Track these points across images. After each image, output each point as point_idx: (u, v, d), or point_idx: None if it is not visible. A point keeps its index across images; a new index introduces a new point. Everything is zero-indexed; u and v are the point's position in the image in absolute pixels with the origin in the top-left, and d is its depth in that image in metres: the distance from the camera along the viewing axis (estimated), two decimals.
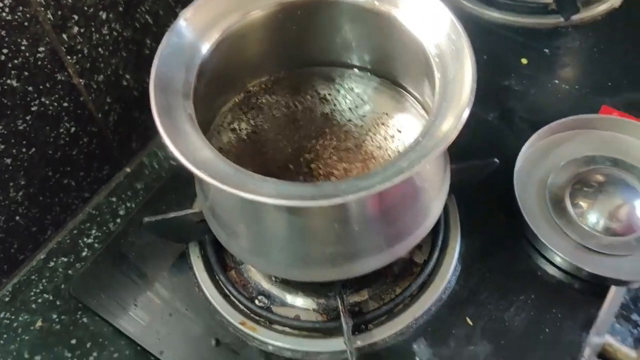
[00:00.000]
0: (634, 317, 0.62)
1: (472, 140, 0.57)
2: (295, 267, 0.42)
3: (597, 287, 0.49)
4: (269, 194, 0.34)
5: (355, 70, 0.50)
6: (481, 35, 0.67)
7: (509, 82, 0.62)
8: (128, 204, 0.65)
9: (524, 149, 0.55)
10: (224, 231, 0.44)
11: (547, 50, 0.65)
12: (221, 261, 0.52)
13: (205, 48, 0.41)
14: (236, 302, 0.50)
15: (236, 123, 0.49)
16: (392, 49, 0.44)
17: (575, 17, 0.66)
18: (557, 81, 0.62)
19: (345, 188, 0.34)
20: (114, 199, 0.67)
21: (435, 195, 0.44)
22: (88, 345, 0.55)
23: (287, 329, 0.48)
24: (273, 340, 0.48)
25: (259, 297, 0.51)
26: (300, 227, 0.39)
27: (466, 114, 0.35)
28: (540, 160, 0.56)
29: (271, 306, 0.50)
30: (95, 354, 0.54)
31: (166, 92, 0.38)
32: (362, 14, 0.43)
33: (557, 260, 0.50)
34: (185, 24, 0.40)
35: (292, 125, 0.50)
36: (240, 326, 0.49)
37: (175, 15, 0.61)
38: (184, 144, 0.36)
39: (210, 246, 0.52)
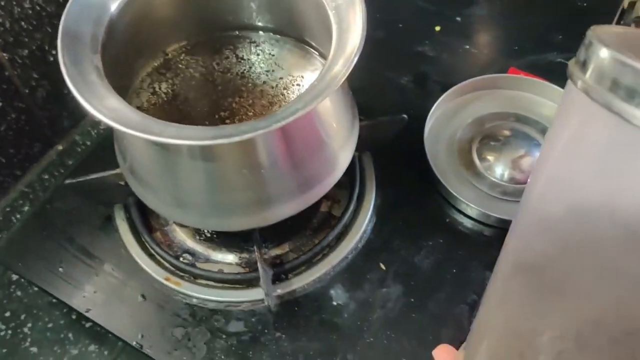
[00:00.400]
0: None
1: (386, 102, 0.60)
2: (210, 216, 0.44)
3: (503, 230, 0.53)
4: (170, 135, 0.36)
5: (266, 32, 0.53)
6: (398, 6, 0.70)
7: (422, 48, 0.66)
8: (58, 183, 0.65)
9: (433, 108, 0.58)
10: (142, 186, 0.45)
11: (459, 19, 0.69)
12: (146, 223, 0.53)
13: (113, 6, 0.42)
14: (161, 260, 0.52)
15: (155, 85, 0.51)
16: (295, 7, 0.47)
17: None
18: (467, 46, 0.66)
19: (245, 129, 0.36)
20: (46, 177, 0.68)
21: (342, 144, 0.46)
22: (22, 317, 0.56)
23: (210, 283, 0.50)
24: (197, 293, 0.50)
25: (184, 255, 0.52)
26: (212, 174, 0.41)
27: (356, 57, 0.38)
28: (449, 119, 0.60)
29: (195, 263, 0.52)
30: (29, 324, 0.55)
31: (74, 46, 0.39)
32: None
33: (466, 208, 0.54)
34: None
35: (209, 86, 0.52)
36: (165, 282, 0.50)
37: None
38: (91, 93, 0.37)
39: (134, 208, 0.53)
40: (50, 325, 0.55)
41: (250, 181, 0.42)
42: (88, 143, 0.70)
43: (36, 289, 0.58)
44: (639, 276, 0.25)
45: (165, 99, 0.51)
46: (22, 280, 0.59)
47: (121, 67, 0.43)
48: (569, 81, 0.25)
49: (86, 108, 0.36)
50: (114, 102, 0.38)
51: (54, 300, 0.57)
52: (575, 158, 0.25)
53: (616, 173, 0.24)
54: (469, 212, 0.54)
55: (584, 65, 0.24)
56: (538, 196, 0.28)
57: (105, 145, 0.62)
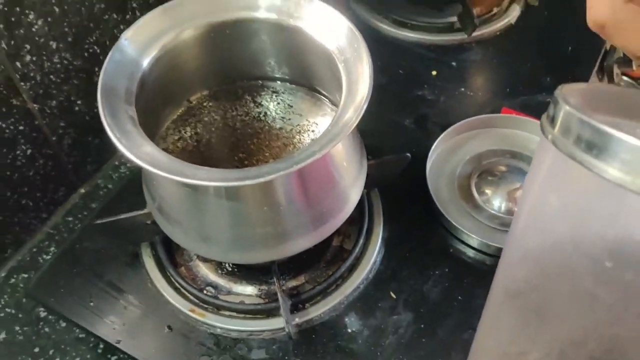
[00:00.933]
0: None
1: (391, 142, 0.65)
2: (233, 250, 0.48)
3: None
4: (201, 177, 0.40)
5: (282, 82, 0.58)
6: (398, 54, 0.76)
7: (422, 92, 0.71)
8: (84, 223, 0.69)
9: (434, 146, 0.63)
10: (170, 224, 0.49)
11: (454, 63, 0.74)
12: (172, 259, 0.57)
13: (145, 62, 0.47)
14: (186, 293, 0.55)
15: (180, 130, 0.56)
16: (307, 59, 0.52)
17: (477, 34, 0.75)
18: (463, 89, 0.71)
19: (267, 170, 0.41)
20: (70, 219, 0.72)
21: (352, 182, 0.51)
22: (51, 352, 0.59)
23: (233, 313, 0.54)
24: (220, 323, 0.53)
25: (207, 288, 0.56)
26: (235, 212, 0.46)
27: (365, 105, 0.43)
28: (449, 156, 0.64)
29: (218, 295, 0.55)
30: (58, 359, 0.59)
31: (111, 99, 0.44)
32: (278, 30, 0.50)
33: (467, 239, 0.58)
34: (126, 42, 0.46)
35: (229, 130, 0.57)
36: (190, 313, 0.54)
37: None
38: (127, 140, 0.42)
39: (160, 246, 0.57)
40: (77, 359, 0.59)
41: (270, 217, 0.46)
42: (110, 186, 0.75)
43: (64, 325, 0.62)
44: (611, 301, 0.29)
45: (189, 142, 0.55)
46: (50, 317, 0.63)
47: (150, 116, 0.47)
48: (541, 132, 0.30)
49: (125, 154, 0.41)
50: (149, 148, 0.42)
51: (81, 336, 0.61)
52: (547, 198, 0.30)
53: (578, 212, 0.29)
54: (471, 242, 0.58)
55: (552, 121, 0.29)
56: (520, 230, 0.33)
57: (126, 188, 0.66)
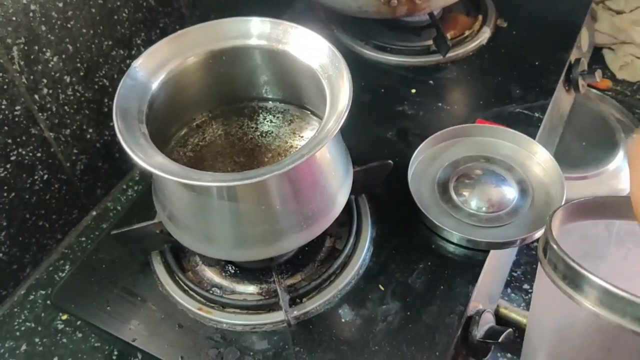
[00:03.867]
0: (525, 286, 0.75)
1: (375, 153, 0.71)
2: (236, 248, 0.54)
3: (479, 252, 0.63)
4: (206, 180, 0.46)
5: (272, 102, 0.65)
6: (379, 75, 0.83)
7: (402, 108, 0.78)
8: (100, 237, 0.75)
9: (414, 155, 0.69)
10: (179, 229, 0.55)
11: (431, 82, 0.81)
12: (180, 265, 0.63)
13: (153, 86, 0.54)
14: (194, 293, 0.61)
15: (185, 146, 0.63)
16: (295, 79, 0.59)
17: (452, 54, 0.82)
18: (440, 104, 0.78)
19: (263, 172, 0.47)
20: (83, 239, 0.78)
21: (339, 186, 0.57)
22: None
23: (237, 310, 0.59)
24: (226, 319, 0.59)
25: (213, 289, 0.62)
26: (236, 212, 0.52)
27: (346, 113, 0.49)
28: (429, 163, 0.71)
29: (223, 295, 0.61)
30: None
31: (125, 118, 0.51)
32: (268, 54, 0.57)
33: (448, 235, 0.64)
34: (137, 69, 0.53)
35: (228, 147, 0.63)
36: (198, 311, 0.59)
37: None
38: (141, 152, 0.48)
39: (169, 254, 0.63)
40: None
41: (268, 216, 0.52)
42: (119, 208, 0.81)
43: (80, 335, 0.67)
44: None
45: (193, 157, 0.62)
46: (67, 328, 0.68)
47: (158, 136, 0.54)
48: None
49: (140, 164, 0.47)
50: (160, 158, 0.49)
51: (97, 344, 0.66)
52: (546, 300, 0.40)
53: (564, 311, 0.39)
54: (451, 238, 0.63)
55: (544, 251, 0.41)
56: (534, 319, 0.44)
57: (135, 206, 0.72)
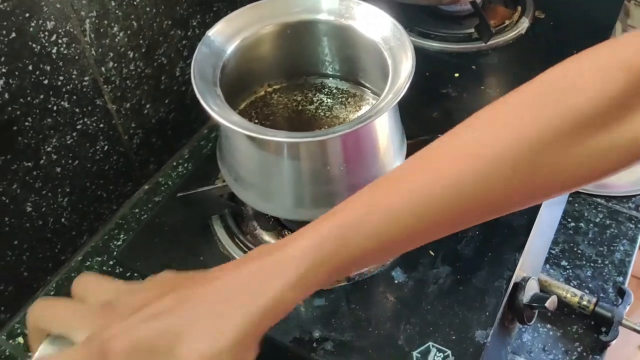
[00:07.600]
0: (563, 263, 0.78)
1: (422, 130, 0.74)
2: (297, 207, 0.57)
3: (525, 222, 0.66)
4: (282, 136, 0.50)
5: (334, 78, 0.68)
6: (425, 60, 0.86)
7: (446, 90, 0.81)
8: (149, 214, 0.79)
9: None
10: (244, 188, 0.59)
11: (474, 67, 0.84)
12: (239, 228, 0.66)
13: (225, 53, 0.58)
14: None
15: (250, 114, 0.66)
16: (357, 54, 0.62)
17: (492, 42, 0.86)
18: (482, 87, 0.81)
19: (332, 131, 0.50)
20: (136, 210, 0.82)
21: (395, 155, 0.60)
22: None
23: None
24: None
25: None
26: (303, 170, 0.55)
27: (407, 85, 0.53)
28: None
29: None
30: None
31: (202, 81, 0.54)
32: (333, 29, 0.61)
33: None
34: (211, 37, 0.57)
35: (290, 112, 0.67)
36: None
37: (182, 59, 0.80)
38: (217, 111, 0.52)
39: (229, 217, 0.66)
40: None
41: (331, 177, 0.55)
42: (170, 183, 0.85)
43: None
44: None
45: (257, 123, 0.66)
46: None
47: (228, 100, 0.58)
48: None
49: (220, 121, 0.50)
50: (237, 118, 0.52)
51: None
52: None
53: None
54: None
55: None
56: None
57: (191, 178, 0.75)
